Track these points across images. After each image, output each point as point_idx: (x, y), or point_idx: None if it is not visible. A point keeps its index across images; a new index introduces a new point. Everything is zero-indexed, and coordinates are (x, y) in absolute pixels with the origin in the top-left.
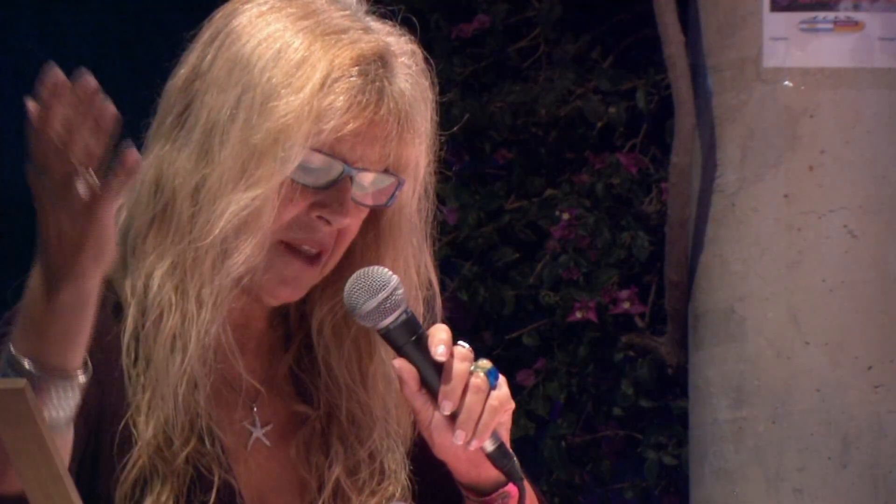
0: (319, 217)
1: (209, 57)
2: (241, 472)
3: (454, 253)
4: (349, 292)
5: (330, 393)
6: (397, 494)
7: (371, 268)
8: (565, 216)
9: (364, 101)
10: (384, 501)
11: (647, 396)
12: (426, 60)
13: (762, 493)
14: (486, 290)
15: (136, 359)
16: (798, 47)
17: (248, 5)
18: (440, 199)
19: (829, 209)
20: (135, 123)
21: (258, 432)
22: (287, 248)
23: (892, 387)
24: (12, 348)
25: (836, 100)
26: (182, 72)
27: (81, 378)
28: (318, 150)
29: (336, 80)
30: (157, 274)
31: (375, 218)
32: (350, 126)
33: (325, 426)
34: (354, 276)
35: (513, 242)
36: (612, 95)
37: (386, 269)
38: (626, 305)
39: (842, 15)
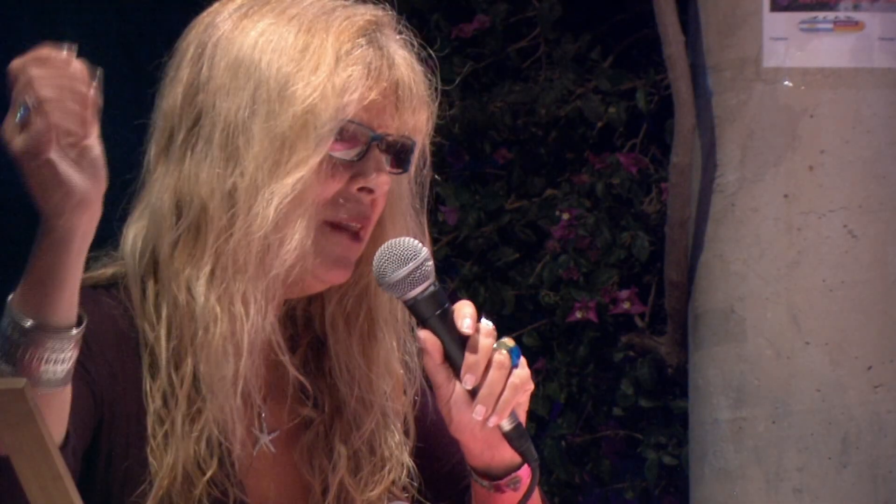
0: (361, 189)
1: (204, 69)
2: (248, 483)
3: (454, 253)
4: (378, 261)
5: (336, 390)
6: (401, 478)
7: (401, 238)
8: (565, 216)
9: (380, 66)
10: (385, 490)
11: (647, 396)
12: (406, 27)
13: (762, 493)
14: (486, 290)
15: (170, 376)
16: (798, 47)
17: (223, 14)
18: (440, 199)
19: (829, 209)
20: (135, 124)
21: (265, 439)
22: (332, 227)
23: (892, 387)
24: (10, 305)
25: (836, 100)
26: (178, 90)
27: (74, 332)
28: (349, 122)
29: (348, 52)
30: (198, 285)
31: None
32: (373, 93)
33: (329, 428)
34: (384, 245)
35: (513, 242)
36: (612, 95)
37: (415, 241)
38: (626, 305)
39: (842, 15)
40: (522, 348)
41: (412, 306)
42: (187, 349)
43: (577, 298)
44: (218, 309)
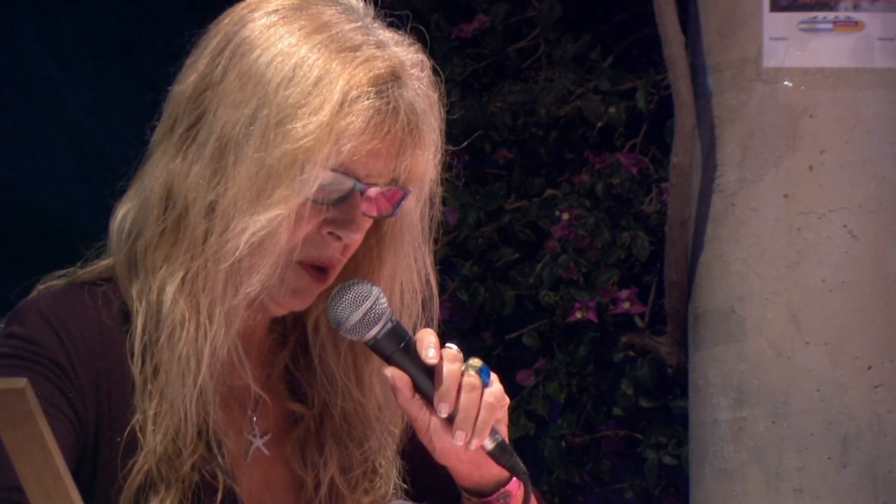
0: (330, 233)
1: (220, 66)
2: (241, 480)
3: (454, 253)
4: (333, 307)
5: (324, 390)
6: (388, 494)
7: (350, 282)
8: (565, 216)
9: (381, 121)
10: (377, 500)
11: (647, 396)
12: (433, 69)
13: (762, 493)
14: (486, 290)
15: (143, 365)
16: (798, 47)
17: (257, 13)
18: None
19: (829, 209)
20: (135, 124)
21: (258, 442)
22: (299, 264)
23: (892, 387)
24: None
25: (836, 100)
26: (191, 79)
27: None
28: (334, 170)
29: (354, 100)
30: (170, 289)
31: (377, 224)
32: (367, 146)
33: (319, 424)
34: (335, 291)
35: (513, 242)
36: (612, 95)
37: (366, 281)
38: (626, 305)
39: (842, 15)
40: (522, 348)
41: (373, 346)
42: (154, 348)
43: (577, 298)
44: (186, 314)
